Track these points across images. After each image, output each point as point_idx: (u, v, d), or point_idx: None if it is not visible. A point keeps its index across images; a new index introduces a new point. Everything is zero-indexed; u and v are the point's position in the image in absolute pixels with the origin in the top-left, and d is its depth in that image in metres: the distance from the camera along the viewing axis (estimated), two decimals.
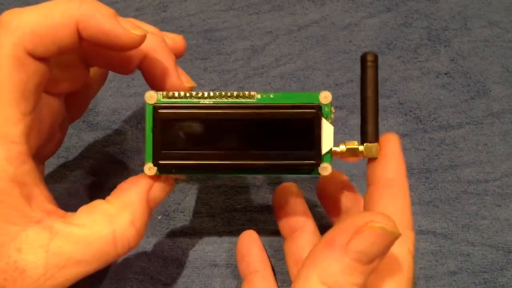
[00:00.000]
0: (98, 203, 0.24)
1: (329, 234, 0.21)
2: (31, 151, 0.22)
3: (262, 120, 0.24)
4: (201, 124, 0.24)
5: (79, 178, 0.33)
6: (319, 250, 0.21)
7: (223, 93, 0.24)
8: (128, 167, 0.34)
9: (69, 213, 0.23)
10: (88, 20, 0.21)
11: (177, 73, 0.25)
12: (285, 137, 0.24)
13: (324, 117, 0.24)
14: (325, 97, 0.24)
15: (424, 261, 0.31)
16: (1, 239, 0.21)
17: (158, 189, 0.25)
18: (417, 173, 0.33)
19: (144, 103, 0.24)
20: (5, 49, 0.21)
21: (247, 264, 0.29)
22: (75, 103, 0.28)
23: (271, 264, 0.29)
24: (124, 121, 0.35)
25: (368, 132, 0.24)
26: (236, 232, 0.32)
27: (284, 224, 0.29)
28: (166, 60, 0.25)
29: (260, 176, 0.34)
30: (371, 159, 0.25)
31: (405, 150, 0.34)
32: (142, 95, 0.36)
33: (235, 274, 0.31)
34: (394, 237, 0.20)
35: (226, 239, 0.32)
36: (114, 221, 0.23)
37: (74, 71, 0.25)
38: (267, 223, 0.32)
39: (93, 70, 0.28)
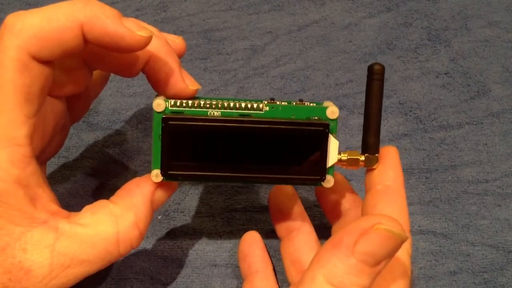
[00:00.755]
0: (102, 203, 0.24)
1: (336, 236, 0.21)
2: (34, 153, 0.22)
3: (269, 135, 0.24)
4: (209, 137, 0.24)
5: (79, 178, 0.33)
6: (325, 251, 0.21)
7: (231, 104, 0.24)
8: (128, 167, 0.34)
9: (73, 213, 0.23)
10: (93, 22, 0.21)
11: (181, 75, 0.25)
12: (292, 152, 0.24)
13: (330, 133, 0.24)
14: (332, 112, 0.24)
15: (424, 261, 0.31)
16: (5, 239, 0.21)
17: (162, 191, 0.25)
18: (417, 173, 0.33)
19: (152, 111, 0.24)
20: (9, 52, 0.21)
21: (248, 265, 0.29)
22: (76, 105, 0.28)
23: (273, 265, 0.29)
24: (124, 121, 0.35)
25: (370, 144, 0.25)
26: (236, 232, 0.32)
27: (280, 225, 0.29)
28: (170, 62, 0.25)
29: None
30: (370, 169, 0.25)
31: (405, 150, 0.34)
32: (142, 95, 0.36)
33: (235, 274, 0.31)
34: (401, 239, 0.21)
35: (226, 239, 0.32)
36: (118, 221, 0.23)
37: (77, 73, 0.25)
38: (267, 223, 0.32)
39: (95, 73, 0.28)
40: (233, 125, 0.24)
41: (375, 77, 0.25)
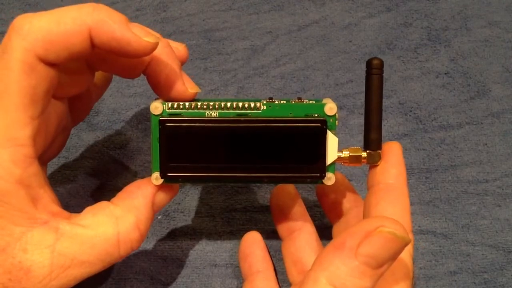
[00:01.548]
0: (103, 204, 0.24)
1: (339, 237, 0.21)
2: (37, 153, 0.22)
3: (267, 134, 0.24)
4: (207, 137, 0.24)
5: (79, 178, 0.33)
6: (328, 253, 0.21)
7: (228, 104, 0.24)
8: (128, 167, 0.34)
9: (74, 214, 0.23)
10: (101, 27, 0.21)
11: (182, 79, 0.25)
12: (291, 150, 0.24)
13: (329, 130, 0.24)
14: (330, 109, 0.24)
15: (424, 261, 0.31)
16: (6, 239, 0.21)
17: (163, 194, 0.25)
18: (417, 173, 0.33)
19: (150, 114, 0.24)
20: (16, 53, 0.21)
21: (249, 265, 0.29)
22: (78, 107, 0.28)
23: (274, 265, 0.29)
24: (124, 121, 0.35)
25: (372, 140, 0.25)
26: (236, 232, 0.32)
27: (282, 225, 0.29)
28: (171, 65, 0.25)
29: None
30: (373, 165, 0.25)
31: (405, 150, 0.34)
32: (142, 95, 0.36)
33: (235, 274, 0.31)
34: (404, 242, 0.21)
35: (226, 239, 0.32)
36: (119, 223, 0.23)
37: (80, 75, 0.25)
38: (267, 223, 0.32)
39: (97, 75, 0.28)
40: (231, 125, 0.24)
41: (374, 71, 0.24)
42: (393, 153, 0.25)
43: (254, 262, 0.29)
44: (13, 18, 0.22)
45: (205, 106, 0.24)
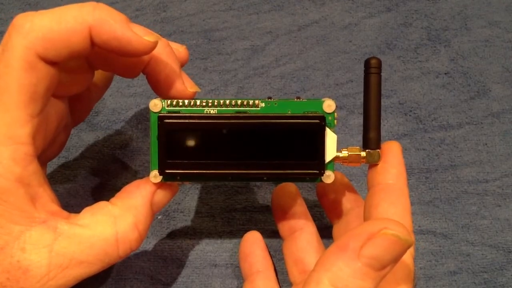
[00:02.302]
0: (102, 204, 0.24)
1: (342, 239, 0.21)
2: (36, 152, 0.22)
3: (266, 130, 0.24)
4: (206, 134, 0.24)
5: (79, 178, 0.33)
6: (330, 254, 0.21)
7: (227, 101, 0.24)
8: (128, 167, 0.34)
9: (73, 214, 0.23)
10: (101, 26, 0.22)
11: (181, 78, 0.25)
12: (289, 147, 0.24)
13: (328, 127, 0.24)
14: (328, 106, 0.24)
15: (424, 261, 0.31)
16: (4, 238, 0.21)
17: (162, 193, 0.25)
18: (417, 173, 0.33)
19: (149, 111, 0.24)
20: (17, 52, 0.21)
21: (249, 265, 0.29)
22: (79, 106, 0.28)
23: (274, 265, 0.29)
24: (124, 121, 0.35)
25: (371, 139, 0.25)
26: (236, 232, 0.32)
27: (283, 225, 0.29)
28: (171, 64, 0.25)
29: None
30: (372, 165, 0.25)
31: (405, 150, 0.34)
32: (142, 95, 0.36)
33: (235, 274, 0.31)
34: (407, 245, 0.21)
35: (226, 239, 0.32)
36: (117, 222, 0.23)
37: (80, 74, 0.25)
38: (267, 223, 0.32)
39: (98, 75, 0.28)
40: (229, 121, 0.24)
41: (372, 71, 0.24)
42: (392, 153, 0.25)
43: (254, 262, 0.29)
44: (13, 18, 0.22)
45: (204, 104, 0.24)
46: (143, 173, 0.33)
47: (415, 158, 0.34)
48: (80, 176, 0.33)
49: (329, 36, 0.38)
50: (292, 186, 0.29)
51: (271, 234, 0.31)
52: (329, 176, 0.25)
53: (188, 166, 0.24)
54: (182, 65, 0.27)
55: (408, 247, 0.21)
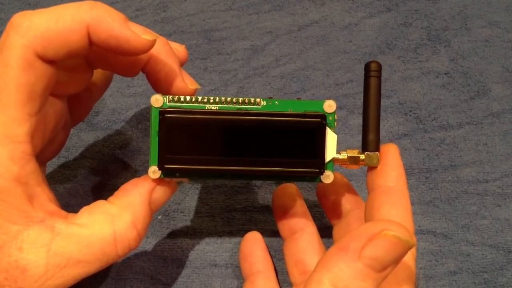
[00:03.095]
0: (99, 203, 0.24)
1: (343, 240, 0.21)
2: (34, 151, 0.22)
3: (267, 128, 0.24)
4: (206, 130, 0.24)
5: (79, 178, 0.33)
6: (331, 255, 0.21)
7: (228, 99, 0.24)
8: (128, 167, 0.34)
9: (71, 214, 0.23)
10: (99, 25, 0.22)
11: (181, 75, 0.25)
12: (289, 145, 0.24)
13: (328, 127, 0.24)
14: (329, 106, 0.24)
15: (424, 261, 0.31)
16: (2, 238, 0.21)
17: (161, 191, 0.25)
18: (417, 173, 0.33)
19: (150, 106, 0.24)
20: (15, 50, 0.21)
21: (250, 265, 0.29)
22: (78, 106, 0.28)
23: (274, 265, 0.29)
24: (124, 121, 0.35)
25: (370, 141, 0.25)
26: (236, 232, 0.32)
27: (284, 226, 0.29)
28: (170, 62, 0.25)
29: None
30: (371, 168, 0.25)
31: (405, 150, 0.34)
32: (142, 95, 0.36)
33: (235, 274, 0.31)
34: (408, 246, 0.21)
35: (226, 239, 0.32)
36: (115, 221, 0.23)
37: (78, 73, 0.25)
38: (267, 223, 0.32)
39: (98, 75, 0.28)
40: (230, 117, 0.24)
41: (372, 74, 0.25)
42: (391, 155, 0.25)
43: (254, 262, 0.29)
44: None
45: (205, 100, 0.24)
46: (143, 173, 0.33)
47: (415, 158, 0.34)
48: (80, 176, 0.33)
49: (329, 36, 0.38)
50: (293, 186, 0.29)
51: (271, 234, 0.31)
52: (328, 176, 0.25)
53: (187, 162, 0.24)
54: (182, 65, 0.27)
55: (409, 249, 0.21)
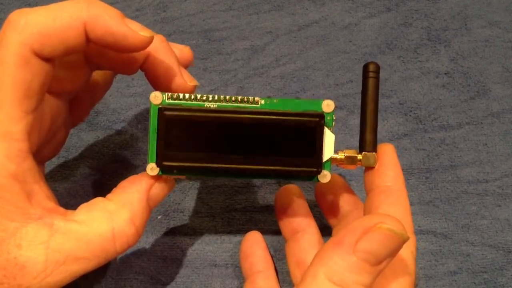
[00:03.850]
0: (97, 200, 0.24)
1: (338, 234, 0.21)
2: (31, 148, 0.22)
3: (265, 126, 0.24)
4: (205, 127, 0.24)
5: (79, 178, 0.33)
6: (327, 249, 0.21)
7: (227, 97, 0.24)
8: (128, 167, 0.34)
9: (70, 211, 0.23)
10: (96, 22, 0.22)
11: (180, 72, 0.25)
12: (287, 144, 0.24)
13: (326, 126, 0.24)
14: (327, 105, 0.24)
15: (424, 261, 0.31)
16: (1, 235, 0.21)
17: (159, 188, 0.25)
18: (417, 173, 0.33)
19: (149, 103, 0.24)
20: (12, 47, 0.21)
21: (250, 265, 0.29)
22: (79, 107, 0.28)
23: (274, 265, 0.29)
24: (124, 121, 0.35)
25: (367, 141, 0.25)
26: (236, 232, 0.32)
27: (286, 226, 0.29)
28: (169, 59, 0.25)
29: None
30: (369, 168, 0.25)
31: (405, 150, 0.34)
32: (142, 95, 0.36)
33: (235, 274, 0.31)
34: (403, 239, 0.21)
35: (226, 239, 0.32)
36: (113, 218, 0.23)
37: (76, 71, 0.25)
38: (267, 223, 0.32)
39: (99, 76, 0.28)
40: (229, 115, 0.24)
41: (370, 75, 0.25)
42: (387, 156, 0.25)
43: (255, 262, 0.29)
44: None
45: (204, 98, 0.24)
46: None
47: (415, 158, 0.34)
48: (80, 176, 0.33)
49: (329, 36, 0.38)
50: (295, 187, 0.29)
51: (271, 234, 0.31)
52: (325, 176, 0.25)
53: (185, 159, 0.24)
54: (187, 66, 0.27)
55: (404, 242, 0.21)
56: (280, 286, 0.29)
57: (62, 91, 0.25)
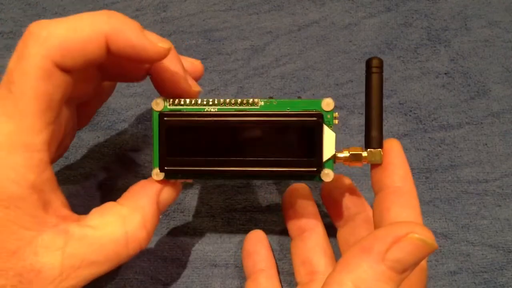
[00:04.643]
0: (110, 205, 0.24)
1: (365, 241, 0.21)
2: (51, 158, 0.23)
3: (264, 128, 0.24)
4: (206, 131, 0.25)
5: (79, 178, 0.33)
6: (354, 256, 0.21)
7: (227, 100, 0.25)
8: (128, 167, 0.34)
9: (82, 216, 0.24)
10: (117, 35, 0.22)
11: (185, 77, 0.25)
12: (287, 144, 0.24)
13: (326, 124, 0.24)
14: (327, 104, 0.24)
15: (424, 261, 0.31)
16: (16, 243, 0.22)
17: (168, 193, 0.26)
18: (417, 173, 0.33)
19: (151, 110, 0.25)
20: (33, 60, 0.21)
21: (253, 263, 0.29)
22: (86, 111, 0.28)
23: (276, 264, 0.29)
24: (124, 121, 0.35)
25: (373, 138, 0.25)
26: (236, 232, 0.32)
27: (293, 225, 0.29)
28: (175, 65, 0.25)
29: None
30: (375, 165, 0.25)
31: (405, 150, 0.34)
32: (142, 95, 0.36)
33: (235, 274, 0.31)
34: (432, 249, 0.21)
35: (226, 239, 0.32)
36: (126, 222, 0.24)
37: (91, 80, 0.26)
38: (267, 223, 0.32)
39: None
40: (229, 119, 0.24)
41: (373, 70, 0.24)
42: (395, 153, 0.25)
43: (258, 260, 0.29)
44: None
45: (204, 102, 0.25)
46: (143, 173, 0.33)
47: (415, 158, 0.34)
48: (80, 176, 0.33)
49: (329, 36, 0.38)
50: (304, 186, 0.29)
51: (271, 234, 0.31)
52: (327, 174, 0.25)
53: (188, 163, 0.25)
54: (198, 79, 0.28)
55: (432, 251, 0.21)
56: (281, 285, 0.29)
57: (76, 101, 0.26)
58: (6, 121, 0.21)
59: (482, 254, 0.31)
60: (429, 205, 0.32)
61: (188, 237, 0.32)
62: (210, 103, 0.25)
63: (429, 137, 0.34)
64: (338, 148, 0.26)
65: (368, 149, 0.25)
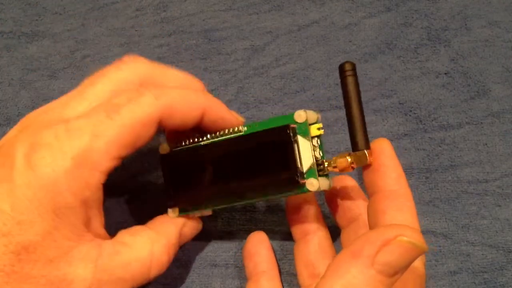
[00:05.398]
0: (140, 228, 0.27)
1: (355, 245, 0.21)
2: (105, 180, 0.24)
3: (244, 151, 0.26)
4: (197, 166, 0.27)
5: None
6: (343, 260, 0.21)
7: (218, 133, 0.27)
8: (128, 168, 0.34)
9: (113, 236, 0.26)
10: (212, 109, 0.26)
11: (231, 114, 0.28)
12: (267, 162, 0.25)
13: (300, 135, 0.24)
14: (299, 116, 0.25)
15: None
16: (55, 252, 0.22)
17: (189, 226, 0.28)
18: (417, 173, 0.33)
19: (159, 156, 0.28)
20: (146, 110, 0.24)
21: (254, 264, 0.29)
22: None
23: (278, 266, 0.29)
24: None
25: (357, 141, 0.24)
26: (236, 232, 0.32)
27: (297, 227, 0.29)
28: (221, 111, 0.27)
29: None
30: (366, 167, 0.25)
31: (405, 150, 0.34)
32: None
33: (235, 274, 0.31)
34: (422, 251, 0.21)
35: (226, 239, 0.32)
36: (154, 244, 0.26)
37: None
38: (267, 223, 0.32)
39: None
40: (214, 149, 0.26)
41: (347, 73, 0.25)
42: (386, 154, 0.24)
43: (259, 261, 0.29)
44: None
45: (200, 139, 0.27)
46: (142, 175, 0.33)
47: (415, 158, 0.34)
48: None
49: (329, 36, 0.38)
50: None
51: (271, 234, 0.31)
52: (312, 184, 0.24)
53: (191, 196, 0.27)
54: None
55: (422, 253, 0.21)
56: (283, 286, 0.29)
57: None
58: (92, 139, 0.23)
59: (482, 254, 0.31)
60: (429, 205, 0.32)
61: None
62: (204, 138, 0.27)
63: (429, 137, 0.34)
64: (338, 149, 0.27)
65: (352, 153, 0.24)
